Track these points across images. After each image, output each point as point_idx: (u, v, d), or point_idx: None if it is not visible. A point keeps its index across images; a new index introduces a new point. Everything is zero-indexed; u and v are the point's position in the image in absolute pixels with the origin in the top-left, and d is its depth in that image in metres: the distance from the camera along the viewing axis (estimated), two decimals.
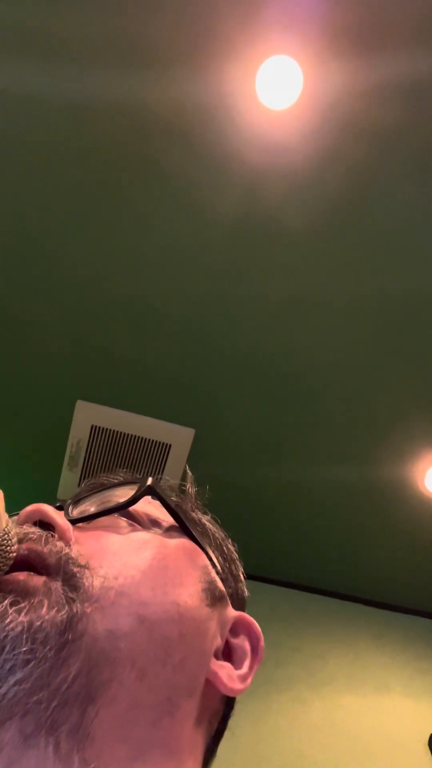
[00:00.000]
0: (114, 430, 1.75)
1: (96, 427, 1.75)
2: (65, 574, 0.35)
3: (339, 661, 1.87)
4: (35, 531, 0.37)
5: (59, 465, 1.83)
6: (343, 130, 1.25)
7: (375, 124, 1.24)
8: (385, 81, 1.20)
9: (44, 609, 0.32)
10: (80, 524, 0.40)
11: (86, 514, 0.41)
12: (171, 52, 1.19)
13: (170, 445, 1.76)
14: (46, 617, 0.32)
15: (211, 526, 0.47)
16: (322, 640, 1.91)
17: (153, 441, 1.76)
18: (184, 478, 0.50)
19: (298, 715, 1.70)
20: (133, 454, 1.79)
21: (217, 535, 0.47)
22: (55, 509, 0.40)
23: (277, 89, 1.21)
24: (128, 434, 1.76)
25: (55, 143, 1.32)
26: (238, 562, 0.48)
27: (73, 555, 0.36)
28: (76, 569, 0.35)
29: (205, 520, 0.47)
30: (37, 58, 1.22)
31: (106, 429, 1.75)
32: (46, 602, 0.33)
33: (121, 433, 1.76)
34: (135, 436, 1.76)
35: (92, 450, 1.79)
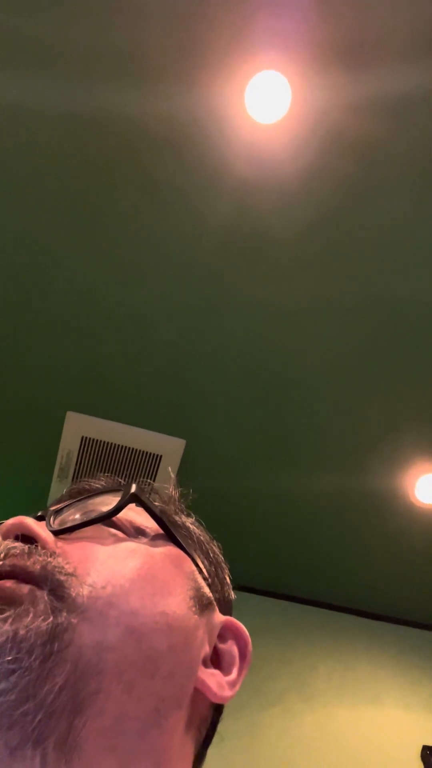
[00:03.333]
0: (104, 441, 1.75)
1: (86, 438, 1.74)
2: (52, 583, 0.34)
3: (331, 672, 1.86)
4: (18, 546, 0.36)
5: (49, 476, 1.82)
6: (331, 143, 1.27)
7: (362, 138, 1.26)
8: (372, 96, 1.22)
9: (29, 618, 0.32)
10: (63, 535, 0.39)
11: (69, 524, 0.40)
12: (162, 66, 1.20)
13: (161, 456, 1.76)
14: (32, 626, 0.32)
15: (195, 528, 0.47)
16: (314, 652, 1.90)
17: (143, 452, 1.76)
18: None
19: (289, 728, 1.69)
20: (124, 465, 1.78)
21: (202, 538, 0.46)
22: (36, 521, 0.39)
23: (266, 104, 1.22)
24: (119, 445, 1.75)
25: (45, 155, 1.33)
26: (223, 565, 0.47)
27: (59, 563, 0.35)
28: (62, 577, 0.35)
29: (189, 522, 0.47)
30: (28, 70, 1.23)
31: (97, 440, 1.75)
32: (31, 611, 0.32)
33: (111, 444, 1.75)
34: (125, 447, 1.75)
35: (82, 461, 1.78)
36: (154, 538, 0.42)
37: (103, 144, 1.30)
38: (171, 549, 0.42)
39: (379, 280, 1.45)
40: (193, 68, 1.20)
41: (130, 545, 0.40)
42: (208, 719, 0.41)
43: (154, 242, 1.44)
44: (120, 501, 0.41)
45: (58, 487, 1.83)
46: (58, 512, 0.42)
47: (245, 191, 1.34)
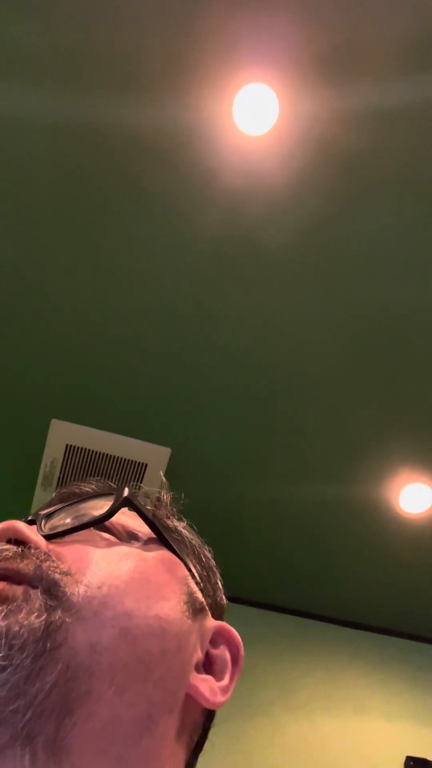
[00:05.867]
0: (89, 450, 1.74)
1: (71, 446, 1.73)
2: (46, 582, 0.34)
3: (316, 682, 1.85)
4: (10, 548, 0.36)
5: (33, 484, 1.81)
6: (318, 155, 1.28)
7: (348, 149, 1.28)
8: (357, 108, 1.24)
9: (22, 614, 0.32)
10: (54, 540, 0.39)
11: (60, 529, 0.39)
12: (152, 77, 1.21)
13: (146, 465, 1.75)
14: (25, 623, 0.31)
15: (187, 533, 0.46)
16: (299, 662, 1.90)
17: (129, 460, 1.75)
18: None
19: (275, 738, 1.68)
20: (109, 473, 1.77)
21: (194, 542, 0.46)
22: (27, 525, 0.39)
23: (254, 116, 1.24)
24: (103, 453, 1.74)
25: (35, 164, 1.33)
26: (215, 569, 0.47)
27: (53, 562, 0.35)
28: (57, 576, 0.34)
29: (181, 527, 0.46)
30: (19, 79, 1.23)
31: (81, 448, 1.74)
32: (24, 607, 0.32)
33: (96, 452, 1.74)
34: (110, 455, 1.74)
35: (67, 469, 1.77)
36: (147, 543, 0.41)
37: (93, 154, 1.30)
38: (164, 553, 0.41)
39: (366, 289, 1.47)
40: (182, 80, 1.21)
41: (124, 549, 0.39)
42: (200, 725, 0.41)
43: (144, 250, 1.44)
44: (113, 505, 0.40)
45: (42, 496, 1.81)
46: (48, 516, 0.42)
47: (234, 201, 1.35)
